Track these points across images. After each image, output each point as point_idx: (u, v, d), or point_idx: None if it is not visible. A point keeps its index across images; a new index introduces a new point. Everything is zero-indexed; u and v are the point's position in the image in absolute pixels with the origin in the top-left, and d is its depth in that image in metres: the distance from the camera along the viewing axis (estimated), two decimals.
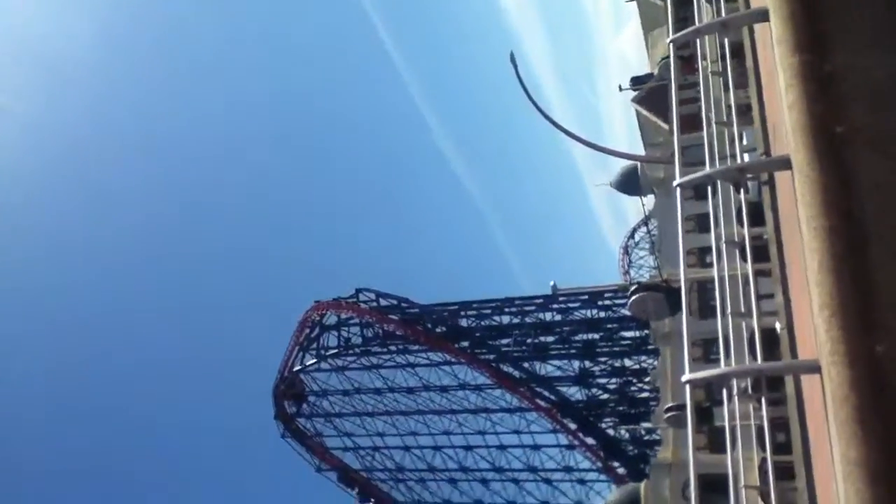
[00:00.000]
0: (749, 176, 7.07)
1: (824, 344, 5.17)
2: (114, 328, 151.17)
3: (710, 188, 7.33)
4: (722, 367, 5.89)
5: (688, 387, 6.04)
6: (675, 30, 7.80)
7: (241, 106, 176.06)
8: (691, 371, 5.85)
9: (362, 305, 69.10)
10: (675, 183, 6.69)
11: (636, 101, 55.94)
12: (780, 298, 6.87)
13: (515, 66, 23.06)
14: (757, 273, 8.74)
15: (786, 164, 6.33)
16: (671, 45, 7.55)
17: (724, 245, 8.75)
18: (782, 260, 9.72)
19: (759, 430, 9.24)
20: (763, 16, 7.18)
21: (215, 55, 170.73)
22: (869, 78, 6.01)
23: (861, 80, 6.02)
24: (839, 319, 5.11)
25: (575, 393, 61.94)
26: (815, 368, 5.45)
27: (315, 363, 71.41)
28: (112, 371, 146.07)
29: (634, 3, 58.65)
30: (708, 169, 6.53)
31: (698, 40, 8.83)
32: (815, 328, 5.31)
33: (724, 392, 5.88)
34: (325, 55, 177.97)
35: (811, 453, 6.24)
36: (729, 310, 8.04)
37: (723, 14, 8.01)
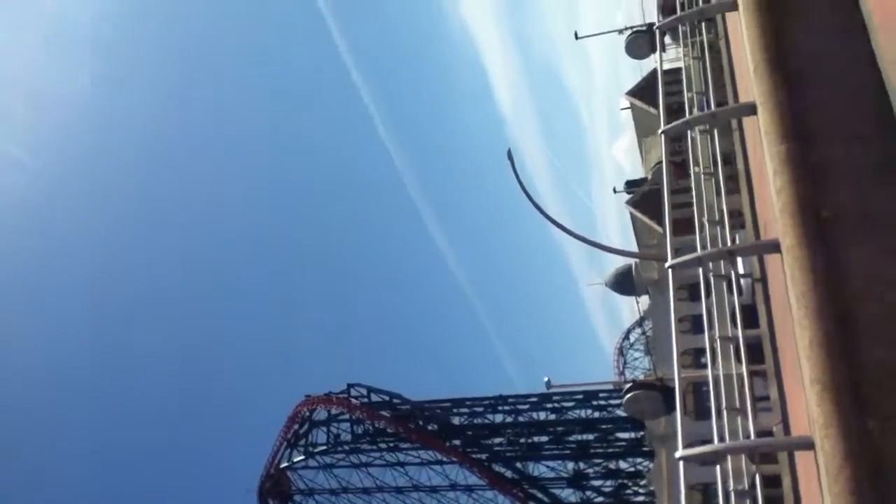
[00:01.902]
0: (741, 269, 7.26)
1: (817, 418, 5.25)
2: (103, 417, 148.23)
3: (701, 276, 7.51)
4: (716, 444, 5.93)
5: (681, 464, 6.05)
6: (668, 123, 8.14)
7: (236, 204, 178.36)
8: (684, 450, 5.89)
9: (353, 401, 68.17)
10: (667, 265, 6.87)
11: (630, 203, 57.00)
12: (773, 376, 6.97)
13: (513, 163, 23.68)
14: (752, 373, 8.86)
15: (775, 247, 6.56)
16: (663, 136, 7.88)
17: (718, 342, 8.89)
18: (774, 343, 9.84)
19: None
20: (751, 109, 7.54)
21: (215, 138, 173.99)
22: (852, 165, 6.32)
23: (844, 168, 6.32)
24: (831, 394, 5.22)
25: (569, 495, 60.55)
26: (808, 445, 5.51)
27: (303, 460, 69.87)
28: (99, 464, 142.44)
29: (629, 112, 60.45)
30: (699, 251, 6.73)
31: (689, 132, 9.17)
32: (806, 403, 5.40)
33: (719, 471, 5.88)
34: (325, 158, 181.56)
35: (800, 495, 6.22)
36: (724, 407, 8.11)
37: (712, 104, 8.38)
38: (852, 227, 6.06)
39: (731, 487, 5.89)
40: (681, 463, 6.03)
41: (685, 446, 7.04)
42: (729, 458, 5.97)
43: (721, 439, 7.71)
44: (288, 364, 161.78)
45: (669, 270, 6.96)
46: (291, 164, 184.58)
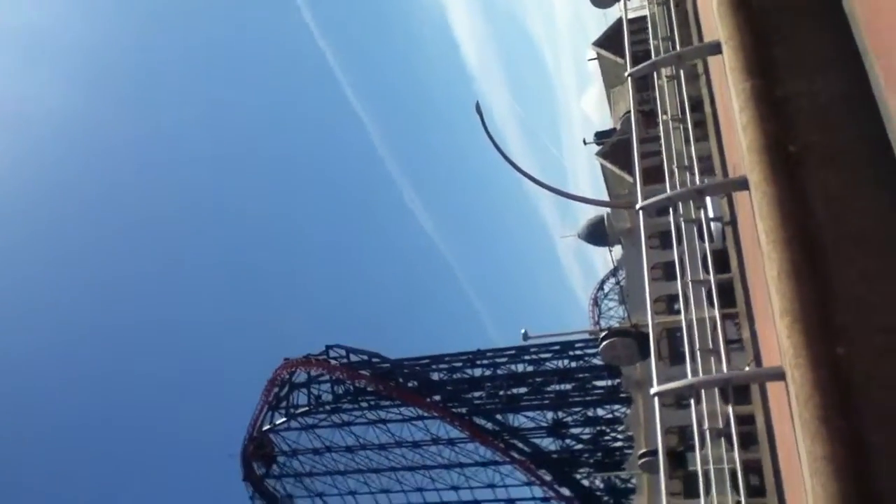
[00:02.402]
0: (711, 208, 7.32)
1: (787, 350, 5.34)
2: (79, 390, 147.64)
3: (672, 217, 7.56)
4: (690, 378, 6.03)
5: (657, 399, 6.17)
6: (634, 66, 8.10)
7: (214, 163, 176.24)
8: (660, 384, 5.99)
9: (332, 362, 68.48)
10: (637, 206, 6.91)
11: (600, 154, 57.10)
12: (745, 317, 7.09)
13: (481, 115, 23.55)
14: (725, 316, 8.99)
15: (743, 184, 6.61)
16: (630, 79, 7.86)
17: (690, 287, 9.00)
18: (745, 284, 9.99)
19: (733, 473, 9.37)
20: (716, 48, 7.53)
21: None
22: (817, 100, 6.35)
23: (810, 102, 6.35)
24: (800, 324, 5.30)
25: (549, 444, 61.66)
26: (779, 375, 5.62)
27: (284, 422, 70.34)
28: (77, 432, 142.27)
29: (597, 63, 60.15)
30: (669, 192, 6.77)
31: (655, 79, 9.14)
32: (777, 335, 5.49)
33: (693, 400, 6.00)
34: (295, 121, 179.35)
35: (779, 459, 6.38)
36: (698, 349, 8.24)
37: (678, 48, 8.37)
38: (819, 160, 6.11)
39: (706, 426, 6.00)
40: (656, 399, 6.15)
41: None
42: (703, 392, 6.08)
43: (695, 375, 7.87)
44: (265, 328, 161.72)
45: (640, 213, 7.00)
46: (259, 126, 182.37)
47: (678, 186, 8.79)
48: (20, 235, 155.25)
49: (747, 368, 9.07)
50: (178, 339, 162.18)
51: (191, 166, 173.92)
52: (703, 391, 5.97)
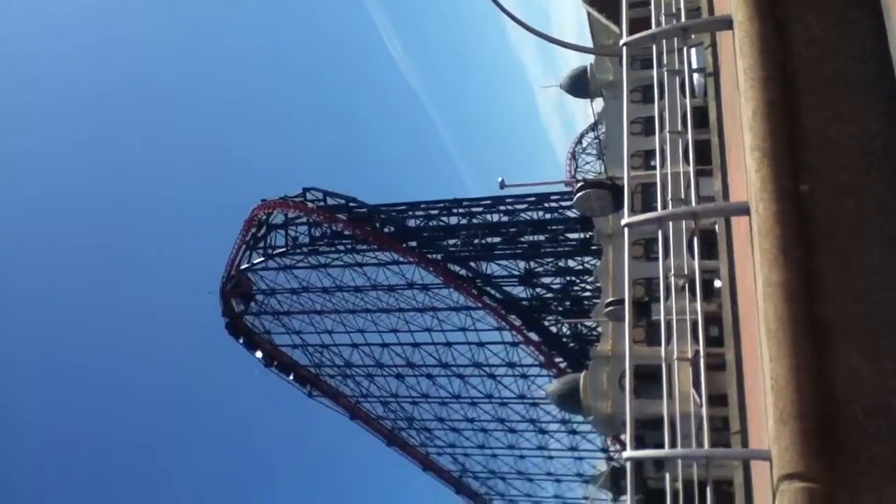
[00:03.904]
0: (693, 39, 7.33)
1: (754, 183, 5.58)
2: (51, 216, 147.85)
3: (654, 53, 7.58)
4: (659, 211, 6.28)
5: (626, 231, 6.43)
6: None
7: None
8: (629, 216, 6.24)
9: (309, 204, 68.80)
10: (621, 42, 6.92)
11: (587, 1, 55.43)
12: (716, 145, 7.29)
13: None
14: (699, 172, 9.15)
15: (728, 23, 6.61)
16: (625, 47, 7.59)
17: (668, 139, 9.10)
18: (721, 131, 10.14)
19: (694, 324, 9.83)
20: None
21: None
22: None
23: None
24: (769, 160, 5.51)
25: (520, 292, 63.49)
26: (744, 210, 5.88)
27: (262, 262, 71.43)
28: (55, 266, 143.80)
29: None
30: (653, 28, 6.77)
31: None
32: (745, 169, 5.71)
33: (660, 236, 6.27)
34: None
35: (736, 289, 6.77)
36: (670, 199, 8.46)
37: None
38: (804, 3, 6.12)
39: (672, 243, 6.28)
40: (626, 230, 6.41)
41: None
42: (671, 224, 6.34)
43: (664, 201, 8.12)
44: (243, 170, 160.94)
45: (624, 49, 7.02)
46: None
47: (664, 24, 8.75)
48: None
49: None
50: (152, 171, 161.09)
51: None
52: (669, 224, 6.22)
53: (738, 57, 6.04)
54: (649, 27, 10.12)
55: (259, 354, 73.01)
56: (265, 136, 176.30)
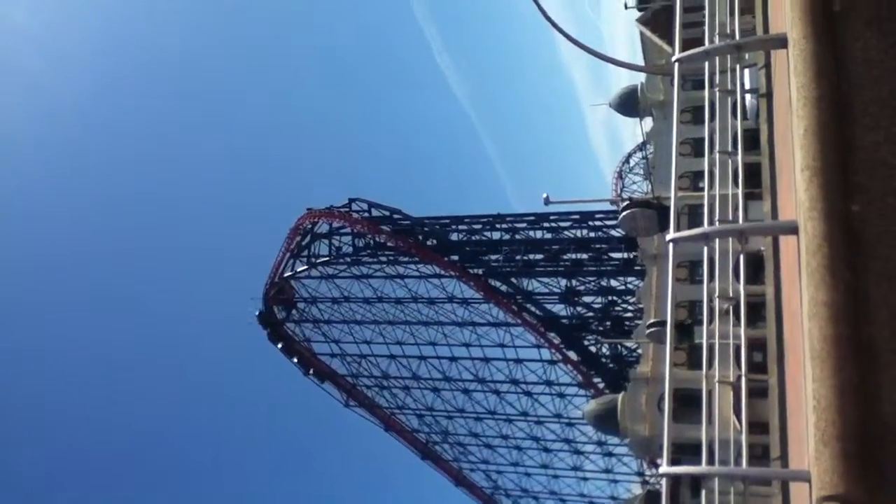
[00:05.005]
0: (747, 59, 7.30)
1: (803, 202, 5.53)
2: (104, 221, 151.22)
3: (707, 70, 7.56)
4: (706, 227, 6.26)
5: (671, 246, 6.41)
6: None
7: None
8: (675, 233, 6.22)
9: (354, 215, 69.41)
10: (673, 58, 6.92)
11: (641, 21, 55.22)
12: (767, 167, 7.23)
13: None
14: (748, 195, 9.09)
15: (782, 41, 6.58)
16: (677, 63, 7.58)
17: (717, 164, 9.06)
18: (773, 154, 10.05)
19: (737, 349, 9.73)
20: None
21: None
22: None
23: None
24: (819, 179, 5.46)
25: (560, 310, 63.12)
26: (793, 229, 5.83)
27: (305, 270, 72.15)
28: (101, 265, 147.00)
29: None
30: (707, 45, 6.76)
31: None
32: (795, 188, 5.67)
33: (705, 253, 6.24)
34: None
35: (782, 307, 6.70)
36: (717, 220, 8.41)
37: None
38: (863, 21, 6.06)
39: (718, 264, 6.26)
40: (670, 245, 6.39)
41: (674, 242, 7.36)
42: (717, 242, 6.31)
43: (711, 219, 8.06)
44: (290, 177, 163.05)
45: (676, 66, 7.01)
46: None
47: (717, 39, 8.72)
48: None
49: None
50: (204, 181, 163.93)
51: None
52: (716, 242, 6.19)
53: (792, 76, 6.00)
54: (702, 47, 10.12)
55: (295, 360, 73.52)
56: (313, 146, 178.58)
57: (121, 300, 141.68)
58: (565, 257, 63.22)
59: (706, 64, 7.00)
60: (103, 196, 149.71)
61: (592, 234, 63.33)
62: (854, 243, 5.36)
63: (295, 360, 73.47)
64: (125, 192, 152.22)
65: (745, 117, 10.36)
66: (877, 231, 5.45)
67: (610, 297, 62.71)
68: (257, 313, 71.91)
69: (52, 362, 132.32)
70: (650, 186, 53.28)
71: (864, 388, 4.85)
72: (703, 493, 10.08)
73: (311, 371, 73.53)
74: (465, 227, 68.44)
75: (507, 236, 65.77)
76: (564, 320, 62.78)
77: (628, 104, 54.86)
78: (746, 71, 10.44)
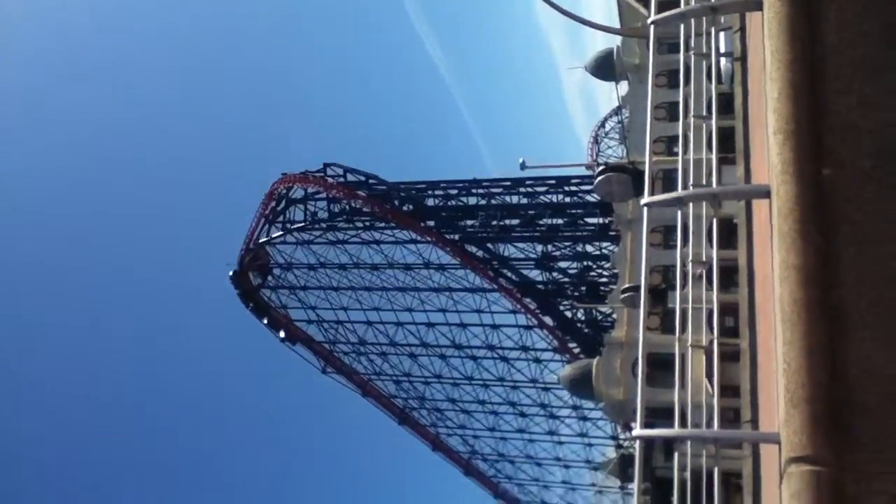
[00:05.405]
0: (723, 23, 7.24)
1: (775, 165, 5.53)
2: (76, 187, 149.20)
3: (682, 34, 7.50)
4: (680, 191, 6.25)
5: (645, 210, 6.40)
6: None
7: None
8: (650, 196, 6.21)
9: (329, 180, 68.90)
10: (649, 20, 6.86)
11: None
12: (741, 131, 7.22)
13: None
14: (722, 160, 9.08)
15: (758, 4, 6.53)
16: (652, 26, 7.44)
17: (691, 130, 9.03)
18: (747, 118, 10.06)
19: (710, 313, 9.79)
20: None
21: None
22: None
23: None
24: (792, 142, 5.45)
25: (536, 275, 63.42)
26: (765, 192, 5.83)
27: (280, 236, 71.73)
28: (79, 231, 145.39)
29: None
30: (682, 7, 6.70)
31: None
32: (768, 152, 5.65)
33: (679, 217, 6.24)
34: None
35: (754, 271, 6.73)
36: (691, 184, 8.40)
37: None
38: None
39: (692, 229, 6.27)
40: (645, 210, 6.38)
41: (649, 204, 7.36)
42: (691, 206, 6.31)
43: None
44: (265, 143, 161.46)
45: (651, 27, 6.95)
46: None
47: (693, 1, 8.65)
48: None
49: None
50: (177, 146, 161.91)
51: None
52: (690, 206, 6.19)
53: (766, 38, 5.96)
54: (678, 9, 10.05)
55: (282, 334, 73.25)
56: (287, 112, 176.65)
57: (91, 267, 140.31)
58: (541, 222, 63.34)
59: (681, 26, 6.93)
60: (75, 162, 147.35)
61: (568, 200, 63.46)
62: (825, 207, 5.37)
63: (265, 320, 73.24)
64: (98, 156, 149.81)
65: (719, 81, 10.33)
66: (847, 195, 5.46)
67: (585, 263, 63.09)
68: (231, 273, 71.35)
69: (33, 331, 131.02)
70: (625, 151, 53.31)
71: (832, 350, 4.89)
72: (676, 455, 10.23)
73: (282, 333, 73.23)
74: (441, 192, 68.24)
75: (483, 201, 65.70)
76: (540, 286, 63.12)
77: (604, 68, 54.73)
78: (722, 34, 10.39)
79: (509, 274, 63.55)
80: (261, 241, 71.44)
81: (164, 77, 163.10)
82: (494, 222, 63.13)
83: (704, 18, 6.77)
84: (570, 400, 64.55)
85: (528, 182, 64.04)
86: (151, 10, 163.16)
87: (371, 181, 68.77)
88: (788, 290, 5.08)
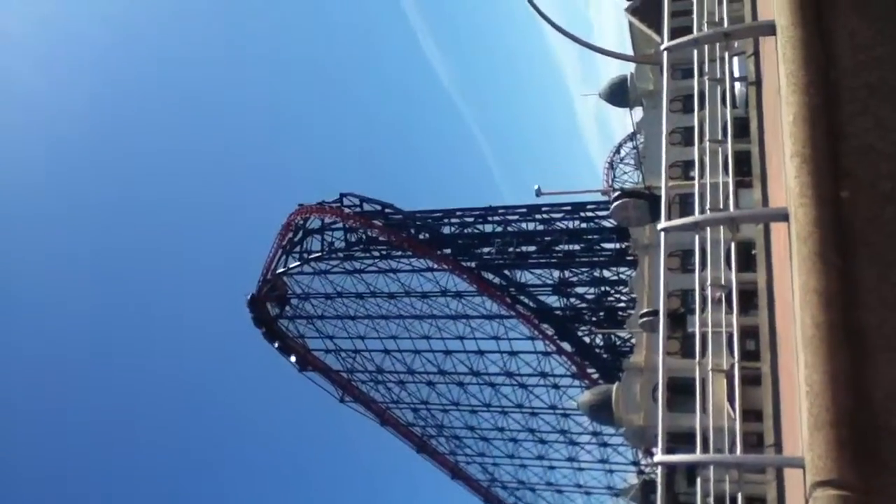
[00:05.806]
0: (736, 47, 7.29)
1: (793, 189, 5.53)
2: (96, 222, 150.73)
3: (695, 59, 7.55)
4: (697, 216, 6.26)
5: (663, 235, 6.41)
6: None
7: None
8: (666, 222, 6.22)
9: (346, 210, 69.24)
10: (662, 47, 6.91)
11: (629, 10, 55.15)
12: (756, 155, 7.23)
13: None
14: (738, 183, 9.10)
15: (770, 28, 6.58)
16: (665, 52, 7.54)
17: (707, 149, 9.05)
18: (762, 142, 10.05)
19: (730, 337, 9.75)
20: None
21: None
22: None
23: None
24: (809, 165, 5.47)
25: (554, 301, 63.17)
26: (783, 216, 5.83)
27: (298, 266, 71.99)
28: (103, 265, 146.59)
29: None
30: (695, 33, 6.75)
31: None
32: (785, 176, 5.67)
33: (697, 241, 6.24)
34: None
35: (774, 294, 6.71)
36: (708, 208, 8.41)
37: None
38: (850, 7, 6.06)
39: (709, 255, 6.26)
40: (662, 235, 6.39)
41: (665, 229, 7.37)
42: (708, 230, 6.32)
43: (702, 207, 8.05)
44: (281, 174, 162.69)
45: (664, 53, 7.01)
46: None
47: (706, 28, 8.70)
48: None
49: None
50: (195, 180, 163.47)
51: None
52: (707, 231, 6.19)
53: (781, 62, 6.00)
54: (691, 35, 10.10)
55: (293, 359, 73.39)
56: (303, 142, 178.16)
57: (112, 298, 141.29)
58: (558, 248, 63.22)
59: (695, 52, 6.98)
60: (96, 198, 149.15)
61: (584, 225, 63.36)
62: (844, 229, 5.37)
63: (276, 344, 73.35)
64: (118, 194, 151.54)
65: (734, 105, 10.35)
66: (866, 217, 5.46)
67: (603, 288, 62.81)
68: (248, 296, 71.53)
69: (48, 361, 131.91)
70: (641, 176, 53.28)
71: (855, 373, 4.87)
72: (699, 481, 10.12)
73: (293, 358, 73.25)
74: (457, 220, 68.35)
75: (499, 228, 65.72)
76: (558, 311, 62.85)
77: (618, 94, 54.89)
78: (735, 59, 10.43)
79: (526, 300, 63.34)
80: (278, 271, 71.74)
81: (180, 110, 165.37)
82: (511, 249, 63.08)
83: (718, 44, 6.81)
84: (589, 426, 63.98)
85: (543, 208, 64.06)
86: (162, 41, 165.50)
87: (387, 210, 69.02)
88: (809, 313, 5.07)
